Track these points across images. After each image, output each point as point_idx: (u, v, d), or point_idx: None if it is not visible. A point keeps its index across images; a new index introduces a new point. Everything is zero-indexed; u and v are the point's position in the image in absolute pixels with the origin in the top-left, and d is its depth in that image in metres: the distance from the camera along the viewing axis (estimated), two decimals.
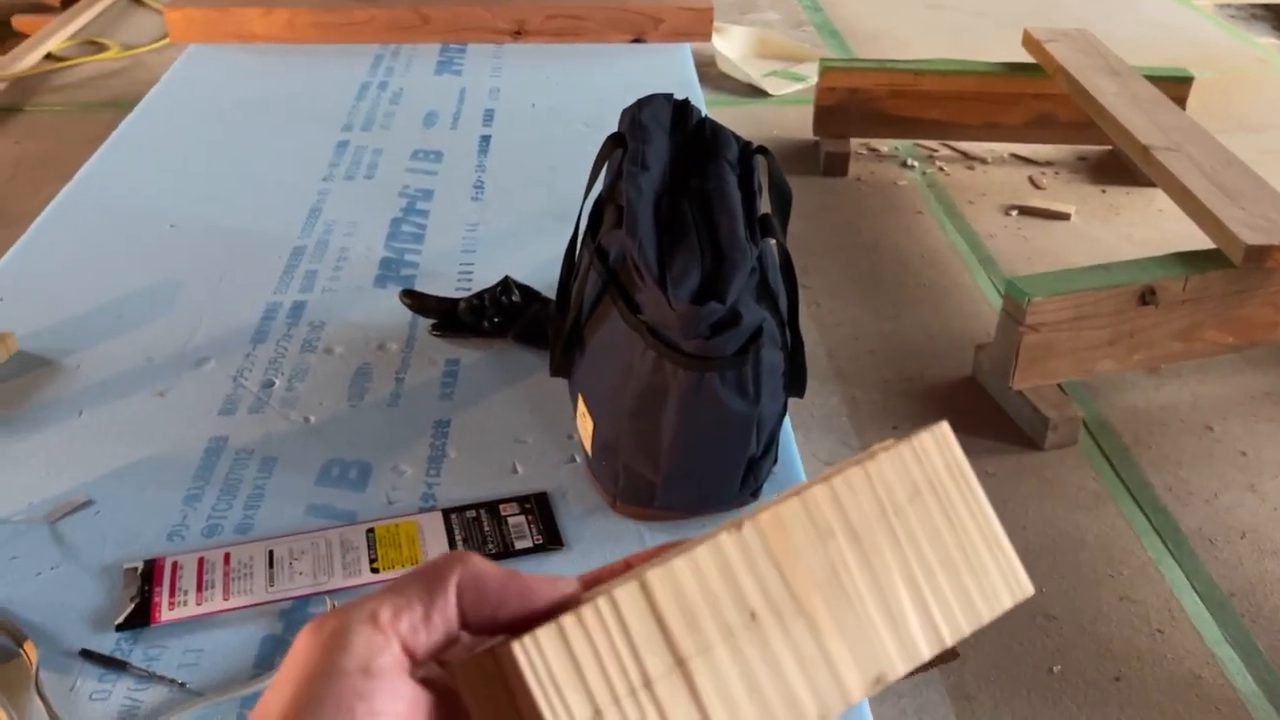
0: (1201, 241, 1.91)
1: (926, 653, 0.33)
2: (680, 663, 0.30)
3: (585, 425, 0.92)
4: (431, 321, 1.14)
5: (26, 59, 3.11)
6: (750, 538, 0.32)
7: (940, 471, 0.36)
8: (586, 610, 0.29)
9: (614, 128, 1.01)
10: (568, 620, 0.29)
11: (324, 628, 0.30)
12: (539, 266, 1.21)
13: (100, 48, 3.34)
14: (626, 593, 0.30)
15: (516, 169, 1.49)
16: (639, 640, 0.29)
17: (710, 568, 0.31)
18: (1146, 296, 1.83)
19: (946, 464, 0.36)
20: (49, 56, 3.24)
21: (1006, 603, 0.36)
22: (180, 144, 1.55)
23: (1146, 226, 2.56)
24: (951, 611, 0.34)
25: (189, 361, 1.09)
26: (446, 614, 0.30)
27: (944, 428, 0.37)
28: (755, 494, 0.92)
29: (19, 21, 3.50)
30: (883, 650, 0.32)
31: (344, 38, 1.90)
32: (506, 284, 1.13)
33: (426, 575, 0.31)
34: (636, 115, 1.00)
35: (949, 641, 0.34)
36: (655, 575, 0.30)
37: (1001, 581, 0.36)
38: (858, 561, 0.33)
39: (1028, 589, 0.36)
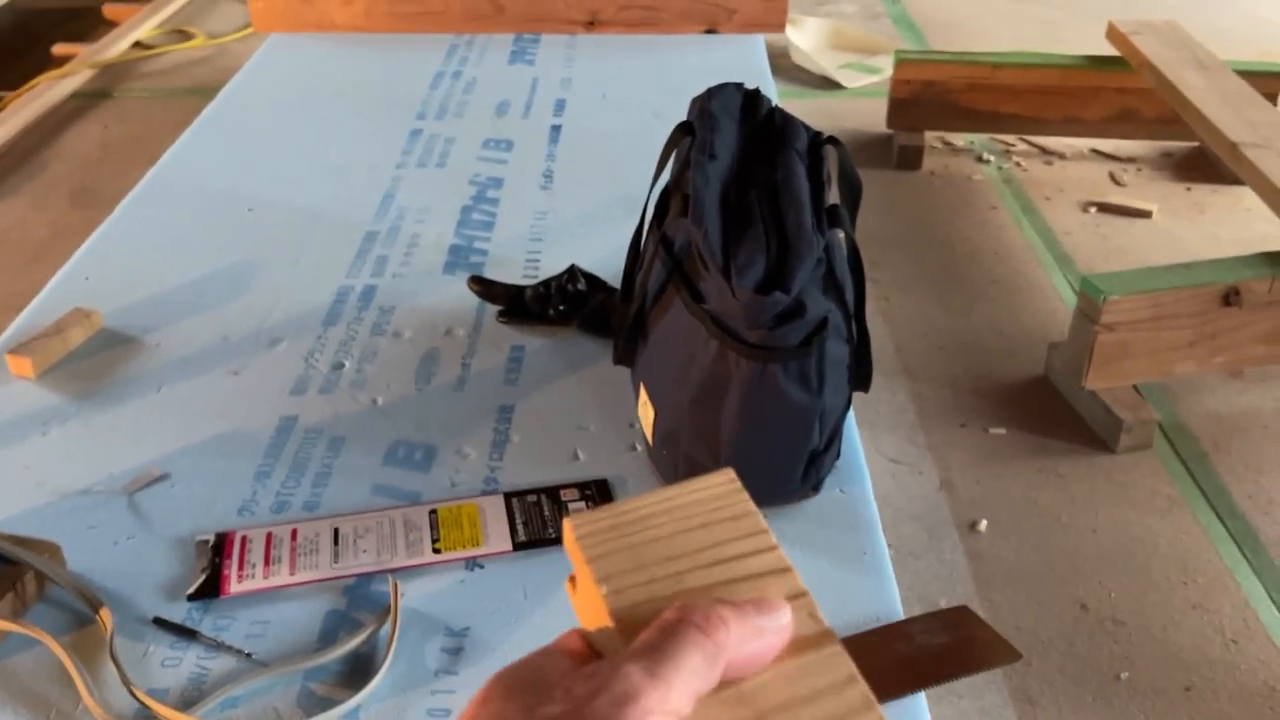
0: None
1: None
2: None
3: (647, 414, 0.92)
4: (498, 308, 1.16)
5: (116, 46, 3.21)
6: None
7: None
8: None
9: (685, 119, 1.01)
10: None
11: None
12: (606, 255, 1.21)
13: (187, 36, 3.44)
14: None
15: (586, 159, 1.49)
16: None
17: None
18: (1230, 297, 1.77)
19: None
20: (138, 44, 3.34)
21: None
22: (260, 130, 1.59)
23: (1233, 226, 2.48)
24: None
25: (263, 342, 1.12)
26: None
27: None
28: (816, 488, 0.91)
29: (110, 10, 3.61)
30: None
31: (420, 27, 1.93)
32: (573, 272, 1.14)
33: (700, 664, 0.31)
34: (706, 104, 0.99)
35: None
36: None
37: None
38: None
39: None
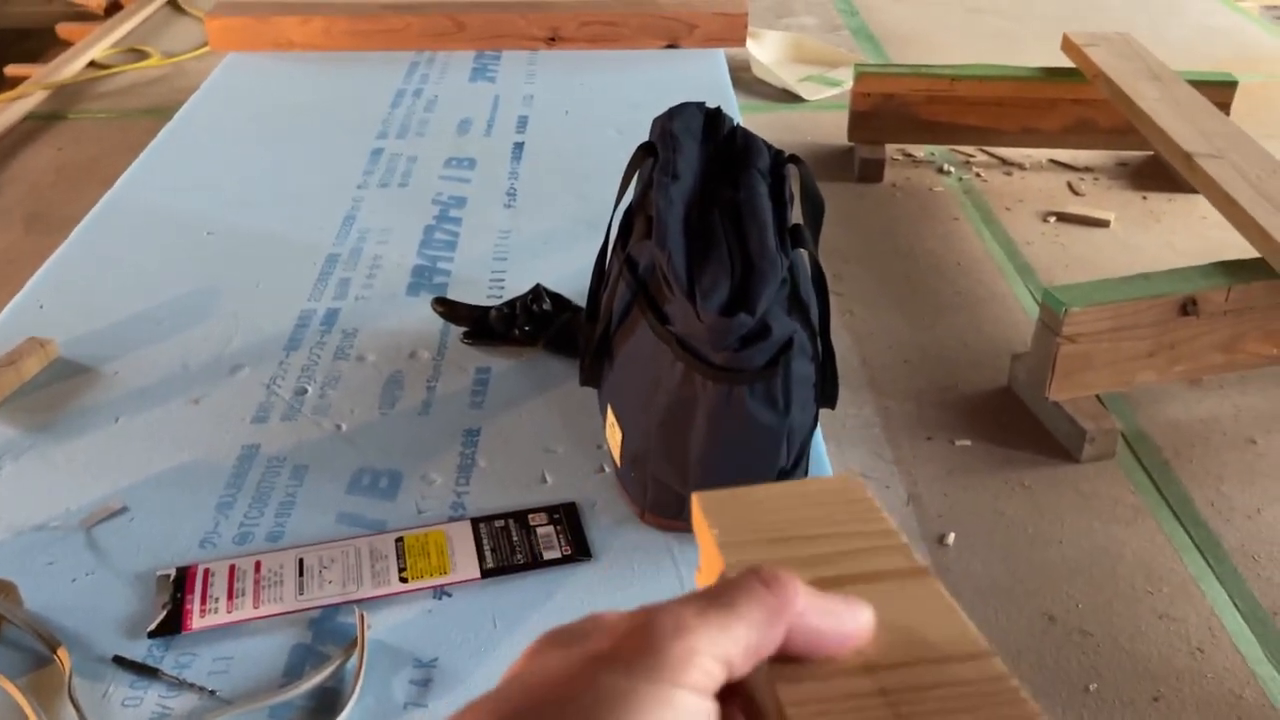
0: (1246, 249, 1.88)
1: None
2: None
3: (614, 436, 0.92)
4: (463, 329, 1.15)
5: (70, 67, 3.16)
6: None
7: None
8: None
9: (647, 135, 1.01)
10: None
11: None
12: (571, 274, 1.20)
13: (142, 55, 3.39)
14: None
15: (549, 176, 1.49)
16: None
17: None
18: (1188, 307, 1.80)
19: None
20: (92, 64, 3.29)
21: None
22: (218, 151, 1.57)
23: (1189, 234, 2.52)
24: None
25: (224, 368, 1.10)
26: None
27: None
28: None
29: (63, 29, 3.56)
30: None
31: (380, 45, 1.92)
32: (538, 292, 1.13)
33: (763, 620, 0.30)
34: (667, 125, 0.99)
35: None
36: None
37: None
38: None
39: None
